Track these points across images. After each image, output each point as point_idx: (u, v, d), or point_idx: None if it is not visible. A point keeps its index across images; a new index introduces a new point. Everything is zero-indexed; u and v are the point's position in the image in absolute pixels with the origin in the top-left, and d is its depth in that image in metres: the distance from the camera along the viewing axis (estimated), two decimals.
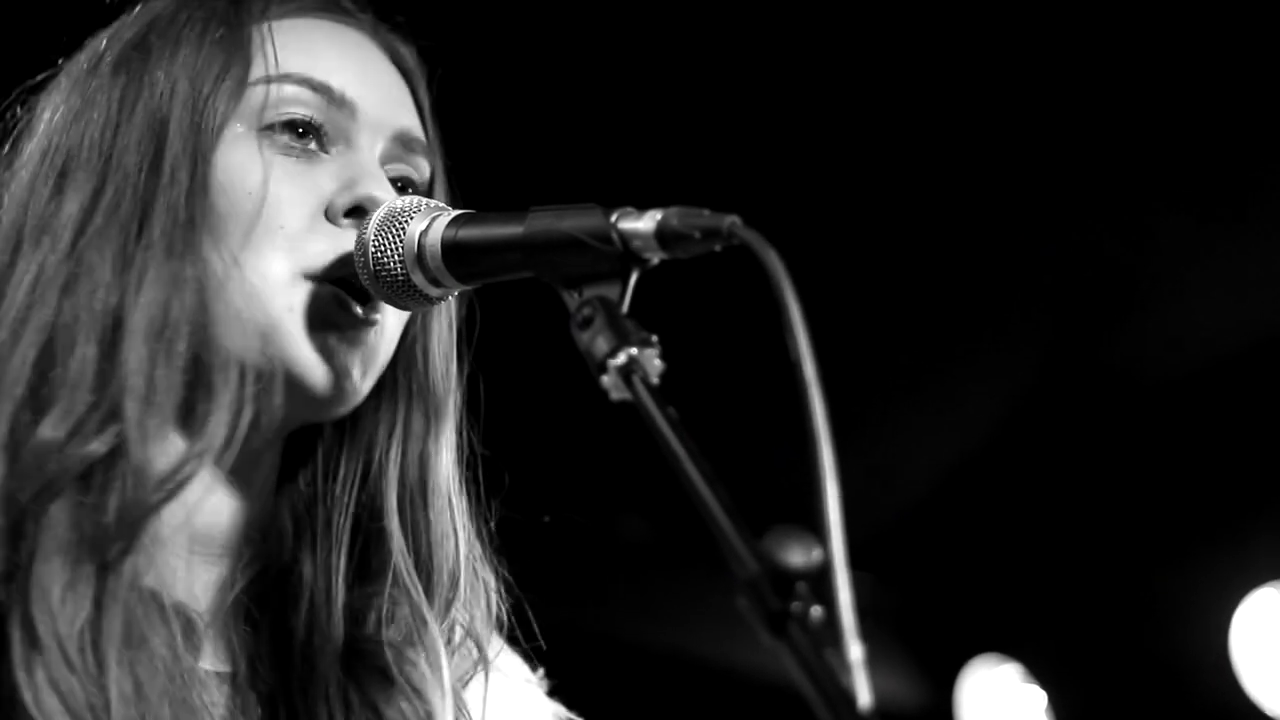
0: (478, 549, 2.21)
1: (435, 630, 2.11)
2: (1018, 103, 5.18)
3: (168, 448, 1.94)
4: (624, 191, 2.00)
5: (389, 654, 2.09)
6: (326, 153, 2.08)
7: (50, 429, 1.88)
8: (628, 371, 1.72)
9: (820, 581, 1.53)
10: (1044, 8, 4.91)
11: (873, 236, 5.66)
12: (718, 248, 1.75)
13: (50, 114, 2.10)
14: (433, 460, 2.16)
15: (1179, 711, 6.37)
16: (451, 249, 1.95)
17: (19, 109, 2.16)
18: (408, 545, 2.12)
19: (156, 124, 2.02)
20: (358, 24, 2.22)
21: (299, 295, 2.00)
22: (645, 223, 1.79)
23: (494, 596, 2.22)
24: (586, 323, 1.78)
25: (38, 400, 1.90)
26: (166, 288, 1.94)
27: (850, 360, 5.92)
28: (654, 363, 1.74)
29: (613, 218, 1.81)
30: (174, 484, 1.93)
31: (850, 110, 5.19)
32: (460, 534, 2.17)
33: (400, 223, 1.98)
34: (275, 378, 1.99)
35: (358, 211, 2.04)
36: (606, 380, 1.74)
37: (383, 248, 1.97)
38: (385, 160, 2.13)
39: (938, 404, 6.38)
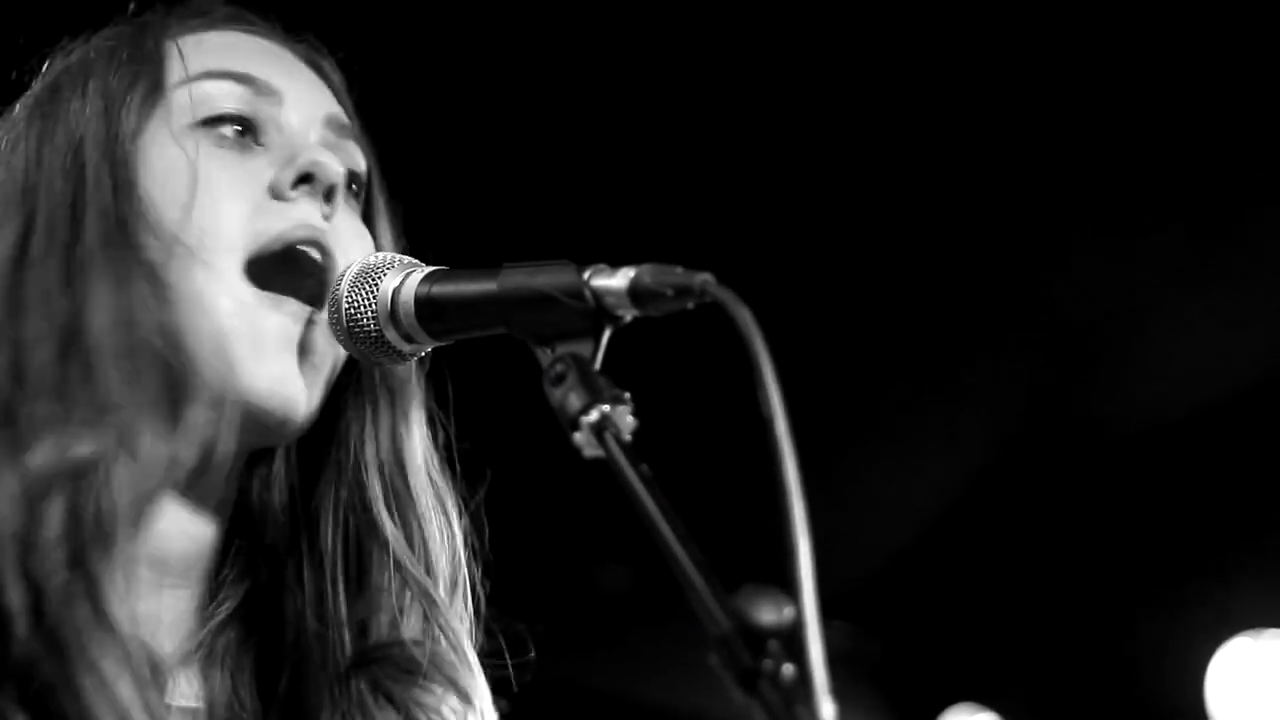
0: (457, 530, 2.19)
1: (448, 611, 2.10)
2: (998, 148, 5.21)
3: (134, 467, 1.88)
4: (590, 239, 2.00)
5: (410, 650, 2.07)
6: (260, 145, 2.07)
7: (33, 453, 1.83)
8: (600, 429, 1.72)
9: (792, 639, 1.54)
10: (1030, 58, 4.94)
11: (849, 288, 5.68)
12: (691, 305, 1.75)
13: None
14: (408, 449, 2.15)
15: None
16: (425, 305, 1.95)
17: None
18: (401, 536, 2.10)
19: (74, 144, 2.01)
20: (270, 33, 2.22)
21: (247, 298, 1.97)
22: (618, 280, 1.79)
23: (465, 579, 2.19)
24: (559, 379, 1.78)
25: (14, 426, 1.87)
26: (116, 286, 1.92)
27: (829, 410, 5.96)
28: (626, 419, 1.74)
29: (585, 274, 1.81)
30: (140, 506, 1.88)
31: (825, 161, 5.21)
32: (447, 511, 2.16)
33: (373, 279, 1.98)
34: (226, 389, 1.95)
35: (305, 180, 2.03)
36: (579, 437, 1.74)
37: (356, 304, 1.98)
38: (320, 147, 2.11)
39: (916, 454, 6.40)
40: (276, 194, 2.03)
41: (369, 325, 1.97)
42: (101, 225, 1.95)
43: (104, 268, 1.93)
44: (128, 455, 1.86)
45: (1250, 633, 6.15)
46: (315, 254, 2.03)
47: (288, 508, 2.15)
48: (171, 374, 1.93)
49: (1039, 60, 4.95)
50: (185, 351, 1.94)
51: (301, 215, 2.02)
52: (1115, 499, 6.31)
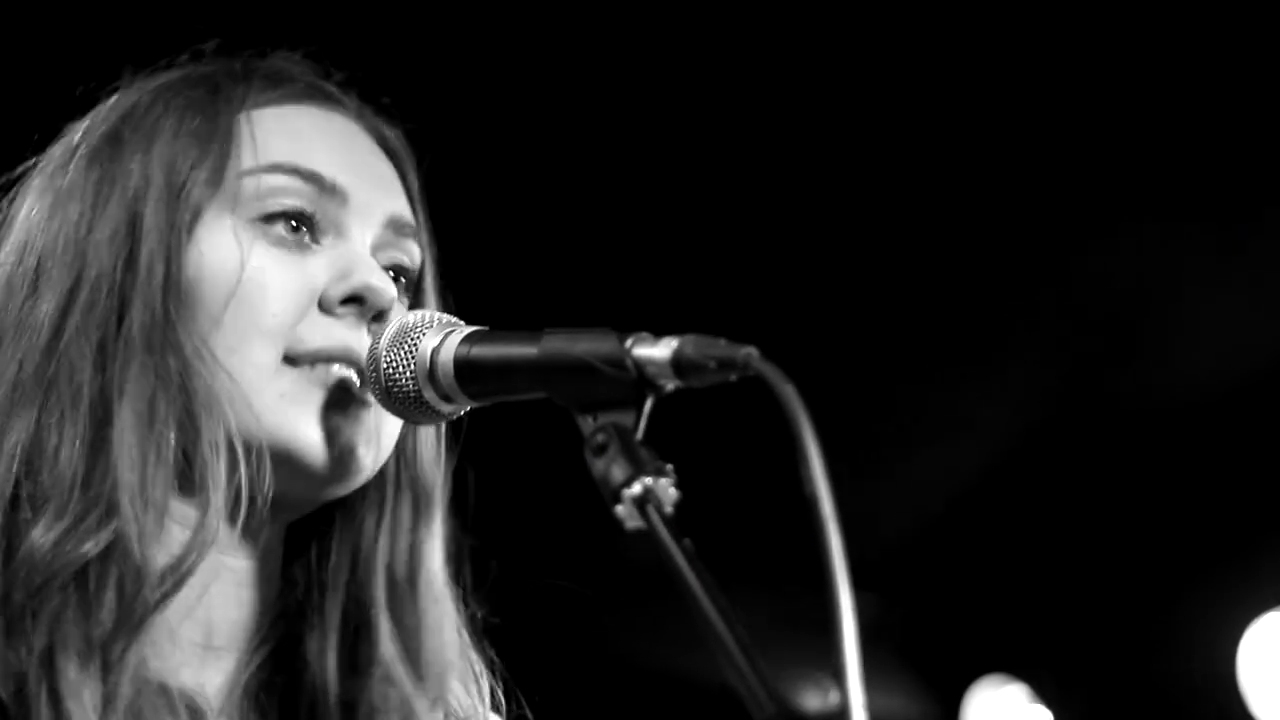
0: (466, 635, 2.18)
1: None
2: (1030, 128, 5.17)
3: (167, 541, 1.92)
4: (619, 283, 1.98)
5: None
6: (318, 243, 2.05)
7: (43, 531, 1.85)
8: (643, 502, 1.71)
9: None
10: (1067, 36, 4.90)
11: (885, 256, 5.65)
12: (734, 378, 1.73)
13: (25, 210, 2.08)
14: (423, 551, 2.13)
15: None
16: (464, 367, 1.93)
17: None
18: (396, 637, 2.08)
19: (130, 218, 1.99)
20: (343, 109, 2.18)
21: (288, 380, 1.98)
22: (660, 350, 1.77)
23: (484, 681, 2.19)
24: (601, 450, 1.76)
25: (28, 500, 1.88)
26: (151, 382, 1.92)
27: (865, 380, 5.96)
28: (669, 492, 1.73)
29: (628, 343, 1.79)
30: (175, 579, 1.90)
31: (861, 134, 5.19)
32: (451, 626, 2.14)
33: (413, 338, 1.96)
34: (271, 457, 1.96)
35: (354, 300, 2.02)
36: (621, 510, 1.72)
37: (394, 363, 1.96)
38: (377, 248, 2.10)
39: (950, 425, 6.37)
40: (325, 307, 2.02)
41: (407, 385, 1.96)
42: (145, 320, 1.94)
43: (142, 362, 1.93)
44: (134, 551, 1.86)
45: None
46: (350, 374, 2.02)
47: (311, 579, 2.14)
48: (190, 458, 1.94)
49: (1076, 38, 4.92)
50: (213, 439, 1.94)
51: (343, 336, 2.01)
52: (1148, 475, 6.28)
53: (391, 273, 2.12)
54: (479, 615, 2.23)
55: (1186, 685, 6.34)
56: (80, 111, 2.16)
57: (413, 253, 2.16)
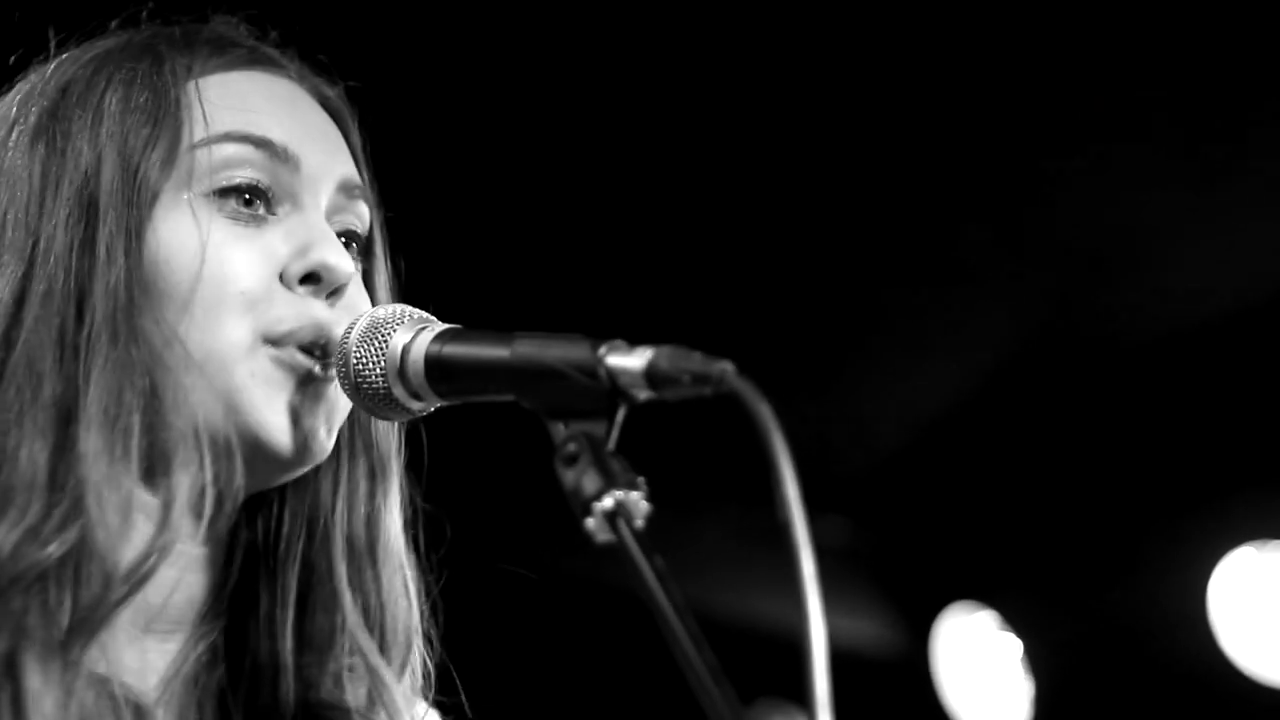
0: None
1: (396, 691, 2.07)
2: (1004, 55, 5.13)
3: (132, 538, 1.87)
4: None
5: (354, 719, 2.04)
6: (274, 214, 2.01)
7: (4, 532, 1.80)
8: (614, 516, 1.68)
9: None
10: None
11: (867, 187, 5.63)
12: (708, 393, 1.70)
13: None
14: (381, 520, 2.10)
15: (1155, 666, 6.41)
16: (435, 365, 1.89)
17: None
18: (357, 606, 2.06)
19: (85, 200, 1.93)
20: (286, 73, 2.13)
21: (261, 360, 1.94)
22: (634, 360, 1.73)
23: (419, 655, 2.15)
24: (571, 460, 1.73)
25: None
26: (116, 374, 1.86)
27: (835, 306, 5.94)
28: (640, 505, 1.70)
29: (601, 351, 1.76)
30: (139, 578, 1.87)
31: (844, 73, 5.14)
32: (411, 594, 2.12)
33: (383, 334, 1.93)
34: (239, 447, 1.93)
35: (312, 279, 1.99)
36: (591, 523, 1.70)
37: (364, 359, 1.92)
38: (331, 213, 2.07)
39: (923, 352, 6.37)
40: (286, 282, 1.98)
41: (377, 382, 1.92)
42: (109, 306, 1.88)
43: (106, 353, 1.87)
44: (100, 551, 1.83)
45: (1255, 543, 6.15)
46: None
47: (258, 553, 2.09)
48: (155, 453, 1.89)
49: None
50: (180, 430, 1.90)
51: (310, 312, 1.97)
52: (1122, 405, 6.29)
53: (343, 238, 2.08)
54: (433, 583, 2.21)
55: (1157, 617, 6.37)
56: (5, 83, 2.09)
57: (363, 214, 2.12)
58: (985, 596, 6.81)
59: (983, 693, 6.84)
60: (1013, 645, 6.74)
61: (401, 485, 2.16)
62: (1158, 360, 6.13)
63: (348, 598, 2.05)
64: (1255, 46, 5.00)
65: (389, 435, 2.14)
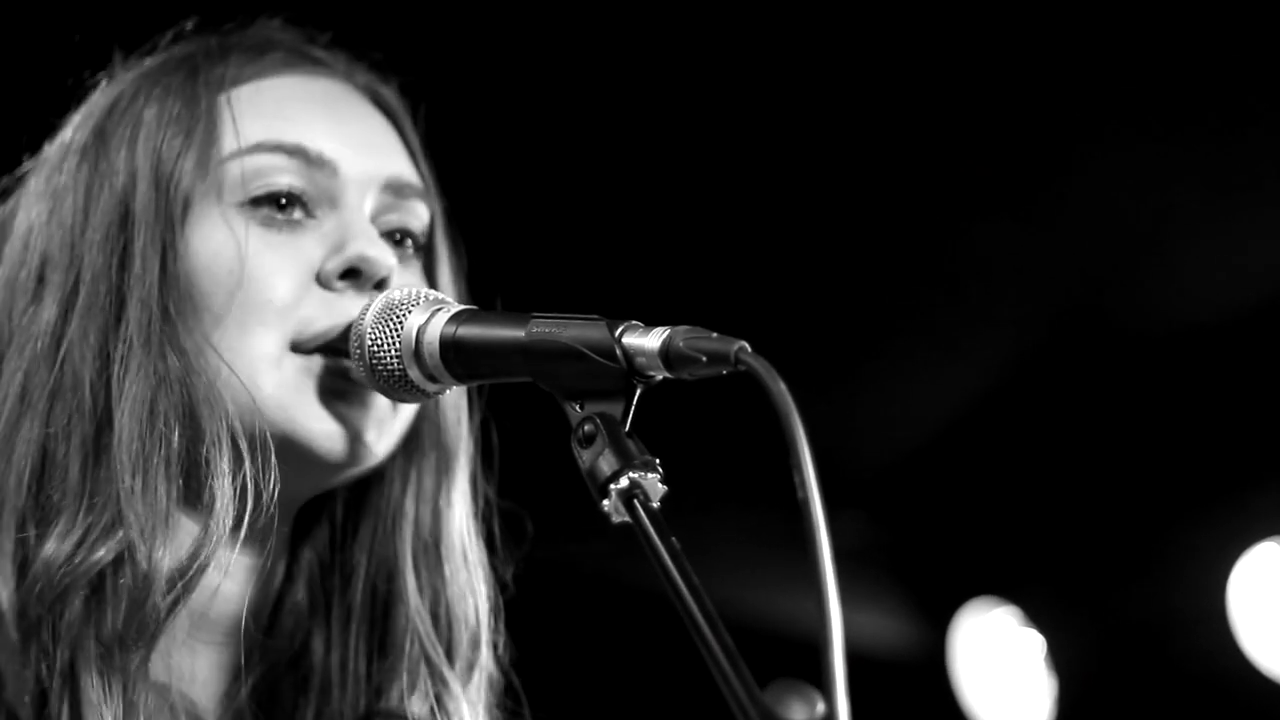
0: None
1: (460, 695, 2.07)
2: (1027, 48, 5.11)
3: (175, 544, 1.89)
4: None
5: None
6: (313, 218, 2.01)
7: (56, 543, 1.83)
8: (630, 496, 1.68)
9: None
10: None
11: (886, 186, 5.61)
12: (724, 372, 1.68)
13: (25, 214, 2.04)
14: (446, 516, 2.11)
15: (1175, 662, 6.38)
16: (450, 347, 1.89)
17: None
18: (424, 606, 2.06)
19: (121, 213, 1.96)
20: (329, 72, 2.13)
21: (287, 370, 1.94)
22: (650, 340, 1.72)
23: (486, 654, 2.16)
24: (588, 440, 1.73)
25: (40, 513, 1.87)
26: (149, 382, 1.89)
27: (854, 303, 5.93)
28: (656, 487, 1.69)
29: (617, 332, 1.75)
30: (185, 583, 1.88)
31: (856, 64, 5.13)
32: (480, 592, 2.12)
33: (399, 316, 1.92)
34: (276, 450, 1.93)
35: (352, 274, 1.98)
36: (607, 504, 1.69)
37: (379, 341, 1.91)
38: (378, 213, 2.06)
39: (945, 346, 6.35)
40: (324, 283, 1.98)
41: (392, 363, 1.91)
42: (143, 317, 1.91)
43: (140, 362, 1.90)
44: (141, 557, 1.84)
45: (1276, 538, 6.11)
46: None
47: (327, 563, 2.11)
48: (191, 460, 1.90)
49: None
50: (216, 435, 1.90)
51: (346, 310, 1.97)
52: (1142, 402, 6.26)
53: (397, 235, 2.07)
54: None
55: (1177, 613, 6.33)
56: (75, 104, 2.12)
57: (418, 211, 2.10)
58: (1006, 592, 6.77)
59: (1003, 690, 6.80)
60: (1035, 642, 6.70)
61: (473, 481, 2.17)
62: (1178, 356, 6.10)
63: (413, 596, 2.06)
64: (1276, 45, 4.99)
65: (457, 429, 2.15)
